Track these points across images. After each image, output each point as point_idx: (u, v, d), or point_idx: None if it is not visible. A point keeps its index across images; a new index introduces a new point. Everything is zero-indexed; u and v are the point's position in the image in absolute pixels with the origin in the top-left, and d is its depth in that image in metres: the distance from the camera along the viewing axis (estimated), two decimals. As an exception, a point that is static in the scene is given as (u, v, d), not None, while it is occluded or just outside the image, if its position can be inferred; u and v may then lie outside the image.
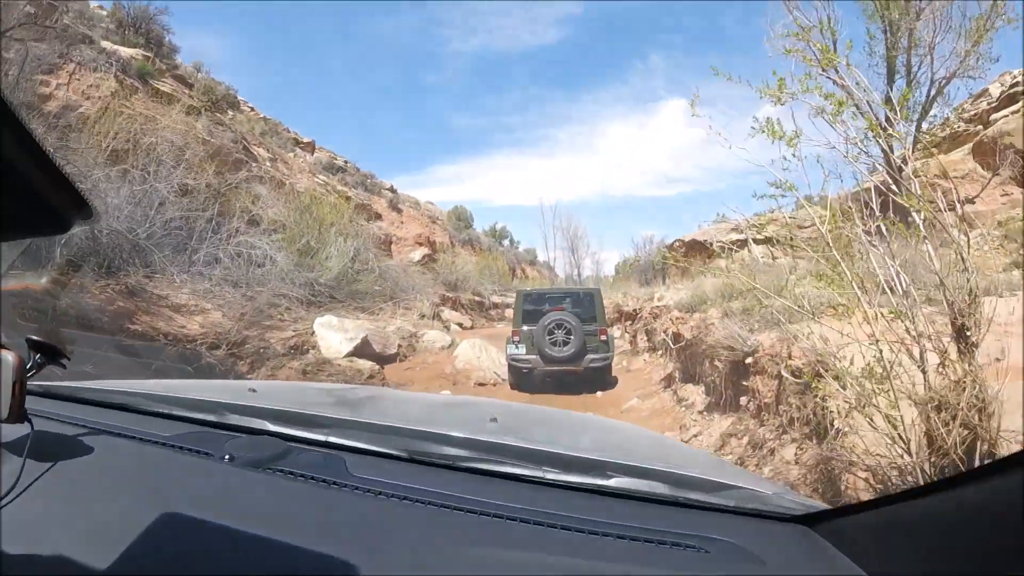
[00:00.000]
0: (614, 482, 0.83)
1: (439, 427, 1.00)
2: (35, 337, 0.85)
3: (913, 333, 2.17)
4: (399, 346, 8.39)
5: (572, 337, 6.69)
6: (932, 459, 2.05)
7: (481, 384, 7.47)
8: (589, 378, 6.95)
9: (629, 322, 11.02)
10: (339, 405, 1.43)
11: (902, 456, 2.10)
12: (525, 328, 7.00)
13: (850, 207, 2.67)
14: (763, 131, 2.61)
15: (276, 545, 0.66)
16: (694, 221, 19.80)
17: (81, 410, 1.07)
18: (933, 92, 10.27)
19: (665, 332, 6.02)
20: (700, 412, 4.50)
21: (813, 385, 2.97)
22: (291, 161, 16.22)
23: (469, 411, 1.62)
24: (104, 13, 12.81)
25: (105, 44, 10.88)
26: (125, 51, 11.31)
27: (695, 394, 4.95)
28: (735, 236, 17.02)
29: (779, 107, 2.60)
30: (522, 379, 7.17)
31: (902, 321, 2.18)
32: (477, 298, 18.81)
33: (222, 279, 8.11)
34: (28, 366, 0.77)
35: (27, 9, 9.00)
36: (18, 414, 0.71)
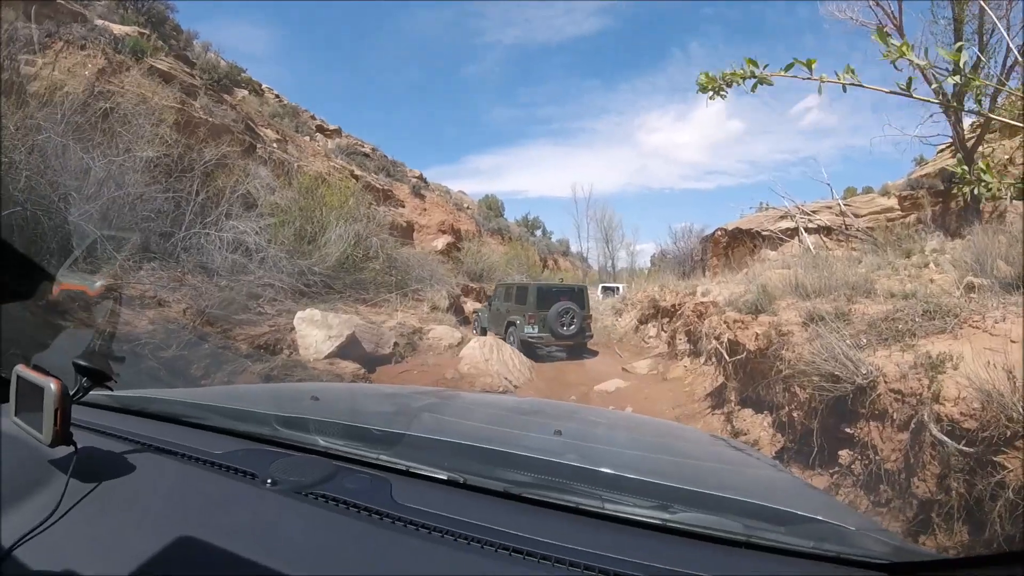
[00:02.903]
0: (680, 517, 0.74)
1: (498, 443, 0.95)
2: (81, 362, 0.87)
3: None
4: (395, 345, 7.24)
5: (575, 320, 8.91)
6: None
7: (487, 392, 6.26)
8: (578, 348, 9.41)
9: (667, 319, 9.56)
10: (400, 415, 1.33)
11: None
12: (540, 313, 8.92)
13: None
14: None
15: None
16: (736, 211, 18.58)
17: (136, 423, 1.04)
18: (1011, 62, 8.61)
19: (718, 339, 4.66)
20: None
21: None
22: (305, 144, 15.31)
23: (536, 420, 1.52)
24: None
25: (98, 22, 10.16)
26: (119, 28, 10.57)
27: (759, 427, 3.58)
28: (785, 224, 15.33)
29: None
30: (529, 352, 8.71)
31: None
32: (503, 289, 17.83)
33: (197, 266, 7.18)
34: (74, 391, 0.82)
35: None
36: (61, 438, 0.73)
